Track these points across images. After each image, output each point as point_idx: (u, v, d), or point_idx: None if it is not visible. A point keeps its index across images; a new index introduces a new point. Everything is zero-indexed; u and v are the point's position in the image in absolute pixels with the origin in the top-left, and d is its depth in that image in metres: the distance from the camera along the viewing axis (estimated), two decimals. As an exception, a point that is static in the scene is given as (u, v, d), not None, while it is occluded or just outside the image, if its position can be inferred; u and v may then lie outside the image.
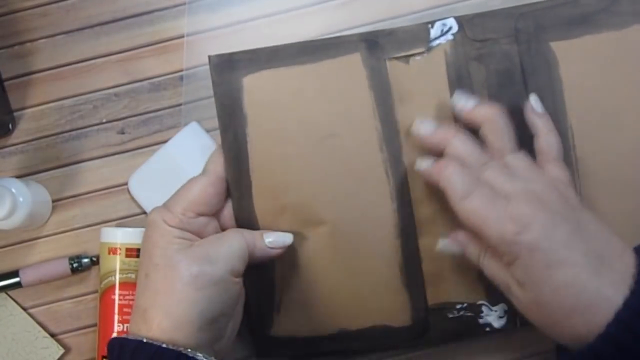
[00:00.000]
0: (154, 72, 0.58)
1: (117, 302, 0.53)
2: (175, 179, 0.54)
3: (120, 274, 0.53)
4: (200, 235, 0.48)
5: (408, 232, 0.51)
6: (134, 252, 0.54)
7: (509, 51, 0.52)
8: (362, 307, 0.51)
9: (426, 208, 0.51)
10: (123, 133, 0.58)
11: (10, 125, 0.57)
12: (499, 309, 0.52)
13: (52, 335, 0.56)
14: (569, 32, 0.52)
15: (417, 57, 0.52)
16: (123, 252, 0.54)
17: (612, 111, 0.51)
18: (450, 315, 0.52)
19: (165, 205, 0.48)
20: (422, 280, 0.51)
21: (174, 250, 0.46)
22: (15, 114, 0.58)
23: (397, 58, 0.51)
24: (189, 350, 0.43)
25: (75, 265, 0.56)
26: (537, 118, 0.49)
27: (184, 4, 0.58)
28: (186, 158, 0.56)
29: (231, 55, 0.51)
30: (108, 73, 0.58)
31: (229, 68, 0.51)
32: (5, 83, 0.58)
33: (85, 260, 0.56)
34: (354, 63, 0.51)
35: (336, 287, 0.51)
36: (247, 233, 0.49)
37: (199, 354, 0.43)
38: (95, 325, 0.56)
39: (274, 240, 0.49)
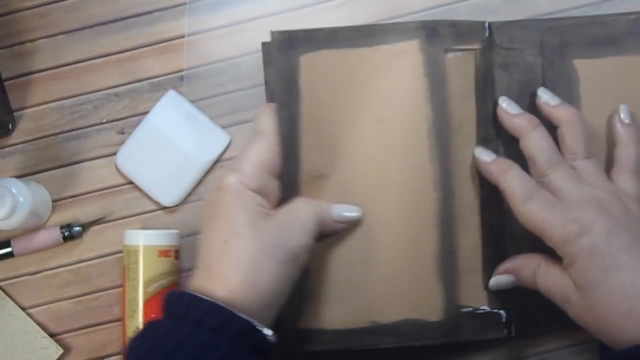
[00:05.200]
0: (154, 72, 0.58)
1: None
2: (162, 150, 0.55)
3: (171, 275, 0.54)
4: (269, 199, 0.47)
5: (448, 223, 0.51)
6: (177, 254, 0.54)
7: (533, 63, 0.52)
8: (395, 298, 0.50)
9: (466, 198, 0.52)
10: (123, 133, 0.58)
11: (10, 125, 0.57)
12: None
13: (52, 335, 0.56)
14: (594, 51, 0.52)
15: (451, 55, 0.52)
16: (172, 254, 0.54)
17: None
18: (478, 312, 0.51)
19: (237, 169, 0.46)
20: (457, 274, 0.51)
21: (257, 219, 0.44)
22: (15, 114, 0.58)
23: (453, 50, 0.52)
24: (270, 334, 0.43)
25: (66, 233, 0.56)
26: (622, 127, 0.50)
27: (184, 4, 0.58)
28: (170, 127, 0.56)
29: (290, 32, 0.51)
30: (108, 73, 0.58)
31: (288, 45, 0.51)
32: (5, 83, 0.58)
33: (77, 228, 0.56)
34: (411, 49, 0.51)
35: (370, 276, 0.50)
36: (316, 205, 0.48)
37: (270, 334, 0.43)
38: (94, 325, 0.57)
39: (343, 214, 0.49)
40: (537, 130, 0.48)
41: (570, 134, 0.49)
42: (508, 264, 0.50)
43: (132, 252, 0.53)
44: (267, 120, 0.49)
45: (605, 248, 0.43)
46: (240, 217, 0.44)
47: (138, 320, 0.53)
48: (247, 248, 0.43)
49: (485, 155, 0.50)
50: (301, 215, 0.46)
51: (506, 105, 0.50)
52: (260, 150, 0.47)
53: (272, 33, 0.51)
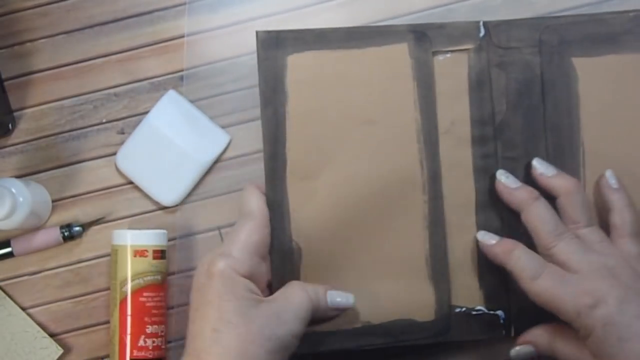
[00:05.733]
0: (154, 72, 0.58)
1: (147, 304, 0.54)
2: (162, 150, 0.55)
3: (149, 276, 0.54)
4: (259, 283, 0.46)
5: (438, 224, 0.51)
6: (158, 254, 0.54)
7: (531, 61, 0.52)
8: (386, 299, 0.51)
9: (460, 199, 0.52)
10: (123, 133, 0.58)
11: (10, 125, 0.57)
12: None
13: (52, 335, 0.56)
14: (592, 49, 0.52)
15: (440, 57, 0.52)
16: (150, 254, 0.54)
17: (626, 134, 0.52)
18: (474, 313, 0.51)
19: (227, 253, 0.45)
20: (447, 274, 0.51)
21: (247, 307, 0.44)
22: (15, 114, 0.58)
23: (443, 52, 0.52)
24: None
25: (66, 233, 0.56)
26: (612, 193, 0.50)
27: (184, 4, 0.58)
28: (170, 127, 0.56)
29: (278, 32, 0.51)
30: (108, 73, 0.58)
31: (274, 45, 0.51)
32: (5, 83, 0.58)
33: (77, 228, 0.56)
34: (400, 53, 0.52)
35: (361, 278, 0.51)
36: (311, 290, 0.47)
37: None
38: (94, 325, 0.57)
39: (338, 300, 0.48)
40: (537, 203, 0.48)
41: (571, 205, 0.49)
42: (526, 337, 0.50)
43: (113, 251, 0.54)
44: (254, 200, 0.48)
45: (619, 318, 0.43)
46: (230, 305, 0.43)
47: (116, 320, 0.54)
48: (237, 337, 0.42)
49: (488, 238, 0.50)
50: (294, 302, 0.45)
51: (504, 179, 0.50)
52: (250, 233, 0.46)
53: (257, 33, 0.51)
